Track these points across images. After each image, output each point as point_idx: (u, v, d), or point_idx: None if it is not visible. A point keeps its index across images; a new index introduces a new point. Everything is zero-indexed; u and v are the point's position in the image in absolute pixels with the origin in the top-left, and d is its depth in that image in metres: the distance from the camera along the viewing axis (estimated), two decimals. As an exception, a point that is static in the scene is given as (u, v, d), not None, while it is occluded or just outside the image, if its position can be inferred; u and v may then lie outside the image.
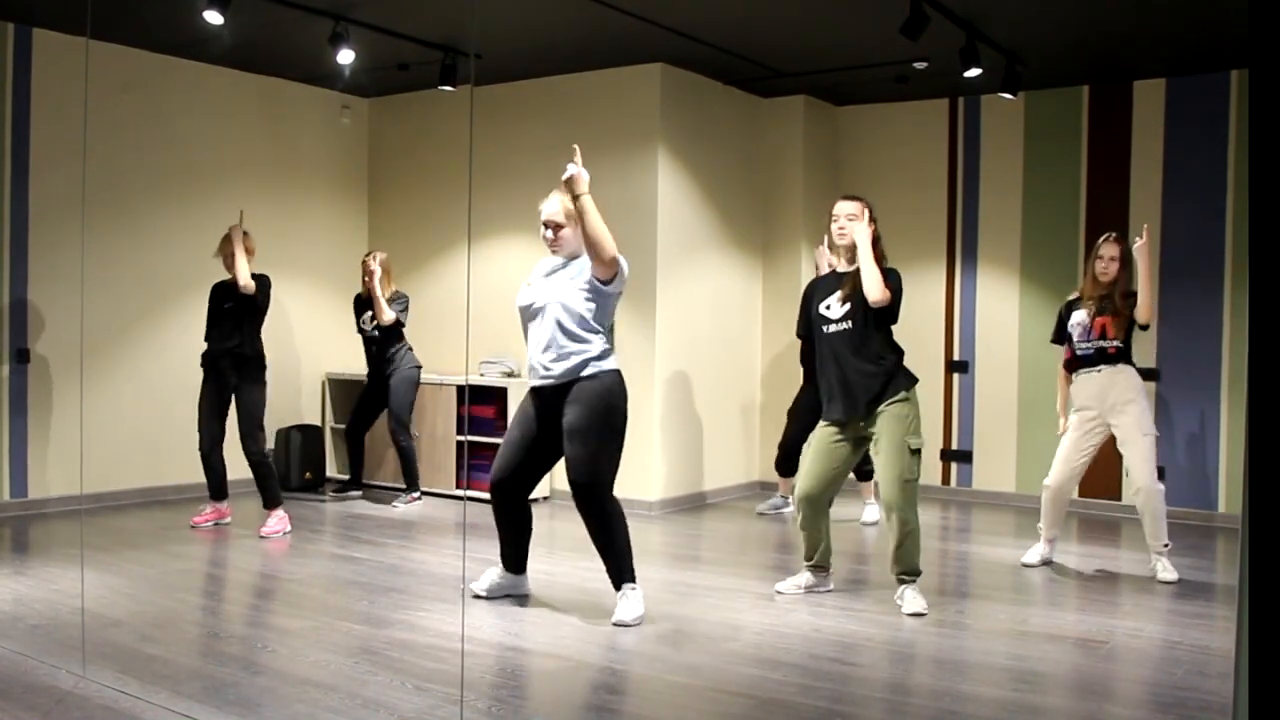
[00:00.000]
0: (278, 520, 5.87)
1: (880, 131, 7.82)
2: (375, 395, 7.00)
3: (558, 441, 4.29)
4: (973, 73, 6.05)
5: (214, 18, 5.31)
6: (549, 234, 4.29)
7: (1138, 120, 6.88)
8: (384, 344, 6.90)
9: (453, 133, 7.65)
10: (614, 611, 4.21)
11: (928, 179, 7.61)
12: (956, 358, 7.55)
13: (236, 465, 6.03)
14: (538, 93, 7.26)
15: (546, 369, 4.22)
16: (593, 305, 4.20)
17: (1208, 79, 6.61)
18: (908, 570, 4.49)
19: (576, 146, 4.16)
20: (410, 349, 6.99)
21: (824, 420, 4.59)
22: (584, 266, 4.25)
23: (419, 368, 7.00)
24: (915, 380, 4.51)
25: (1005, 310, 7.36)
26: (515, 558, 4.56)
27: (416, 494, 6.93)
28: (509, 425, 4.50)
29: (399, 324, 6.86)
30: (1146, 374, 6.67)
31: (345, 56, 6.07)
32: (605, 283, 4.17)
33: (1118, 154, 6.96)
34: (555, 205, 4.28)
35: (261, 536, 5.77)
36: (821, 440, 4.59)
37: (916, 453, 4.42)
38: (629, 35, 6.14)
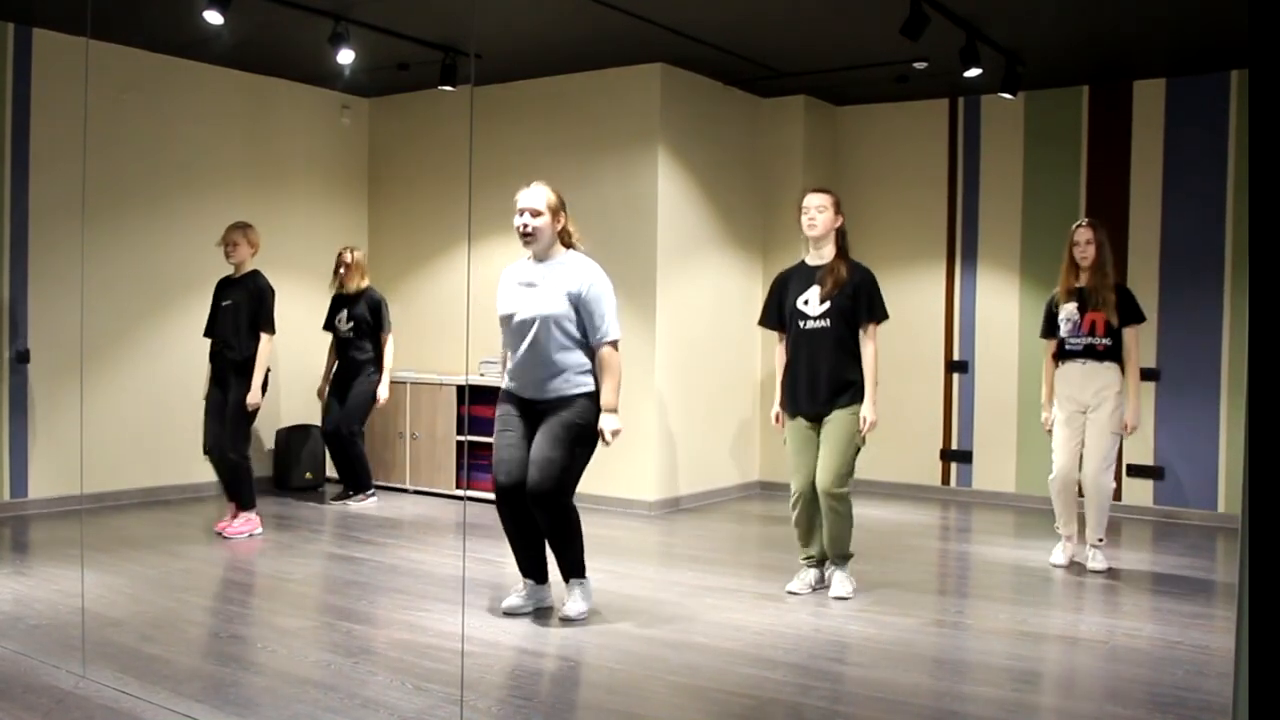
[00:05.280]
0: (244, 521, 5.76)
1: (880, 131, 7.82)
2: (343, 396, 6.88)
3: None
4: (973, 73, 6.05)
5: (214, 18, 5.31)
6: (525, 219, 4.18)
7: (1138, 120, 6.88)
8: (358, 348, 6.83)
9: (453, 133, 7.65)
10: (564, 606, 4.26)
11: (928, 179, 7.61)
12: (956, 358, 7.55)
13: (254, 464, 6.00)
14: (538, 93, 7.26)
15: (536, 386, 4.19)
16: (577, 318, 4.18)
17: (1208, 79, 6.61)
18: (842, 554, 4.66)
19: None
20: (377, 361, 6.87)
21: (795, 414, 4.66)
22: (563, 277, 4.18)
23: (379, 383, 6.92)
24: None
25: (1005, 310, 7.36)
26: (535, 564, 4.41)
27: (371, 491, 6.85)
28: (497, 429, 4.35)
29: (379, 326, 6.79)
30: (1147, 374, 6.69)
31: (345, 56, 6.07)
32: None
33: (1118, 154, 6.96)
34: (538, 193, 4.21)
35: (223, 535, 5.69)
36: (797, 432, 4.66)
37: (857, 451, 4.58)
38: (629, 35, 6.14)
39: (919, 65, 6.42)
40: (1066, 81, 7.03)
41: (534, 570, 4.40)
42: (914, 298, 7.53)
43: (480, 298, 7.40)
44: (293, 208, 7.54)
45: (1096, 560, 5.22)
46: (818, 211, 4.63)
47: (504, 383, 4.36)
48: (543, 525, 4.23)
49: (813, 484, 4.61)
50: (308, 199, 7.68)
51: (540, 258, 4.26)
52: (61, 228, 6.17)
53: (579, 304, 4.16)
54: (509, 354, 4.31)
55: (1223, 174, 6.59)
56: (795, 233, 7.67)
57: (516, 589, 4.43)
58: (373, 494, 6.91)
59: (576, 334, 4.18)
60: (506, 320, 4.26)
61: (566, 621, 4.19)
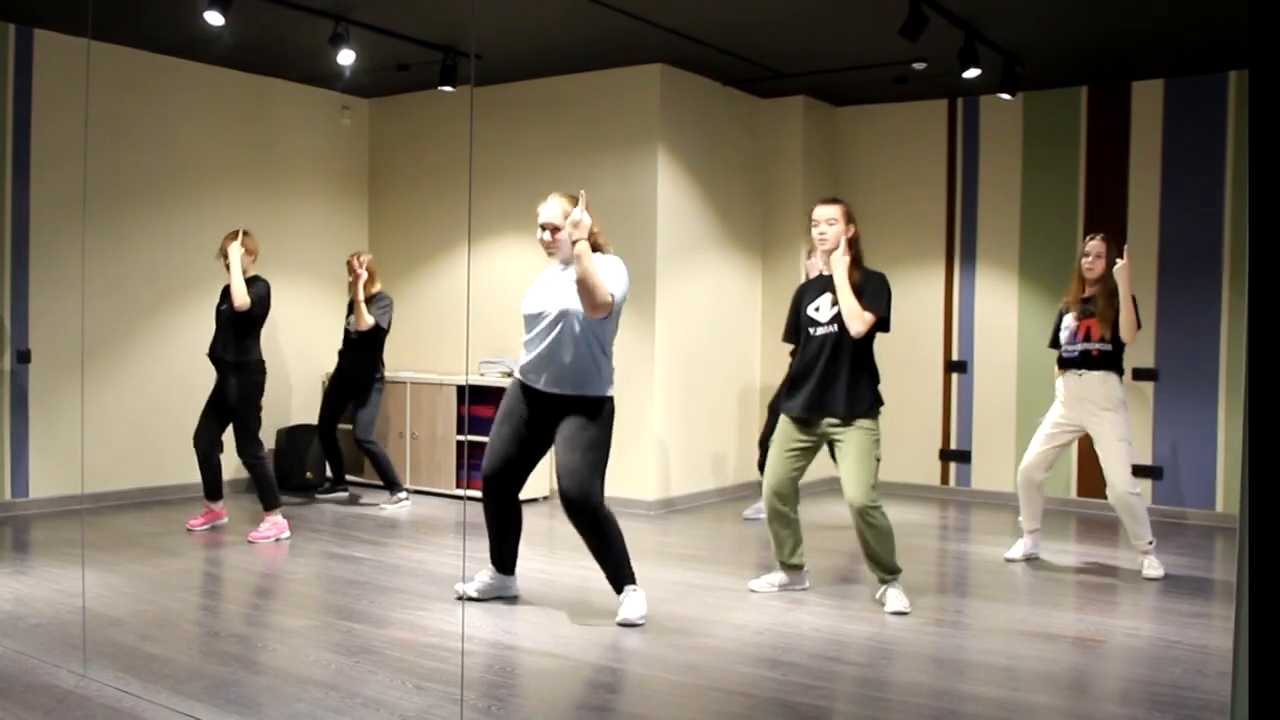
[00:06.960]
0: (270, 525, 5.73)
1: (879, 132, 7.83)
2: (344, 393, 6.90)
3: (547, 438, 4.33)
4: (971, 73, 6.06)
5: (214, 18, 5.31)
6: (546, 235, 4.32)
7: (1136, 121, 6.89)
8: (363, 349, 6.81)
9: (453, 133, 7.66)
10: (618, 611, 4.21)
11: (927, 179, 7.62)
12: (955, 358, 7.55)
13: (233, 466, 5.99)
14: (538, 93, 7.27)
15: (554, 379, 4.23)
16: (602, 320, 4.21)
17: (1207, 79, 6.62)
18: (888, 570, 4.52)
19: (584, 192, 4.14)
20: (383, 364, 6.90)
21: (789, 415, 4.62)
22: None
23: (384, 381, 6.94)
24: (882, 403, 4.55)
25: (1004, 310, 7.36)
26: (505, 557, 4.56)
27: (403, 494, 6.85)
28: (496, 419, 4.44)
29: (379, 329, 6.79)
30: (1146, 374, 6.71)
31: (345, 57, 6.08)
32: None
33: (1116, 154, 6.97)
34: (554, 208, 4.31)
35: (249, 540, 5.65)
36: (785, 436, 4.63)
37: (878, 461, 4.50)
38: (629, 35, 6.15)
39: (918, 66, 6.43)
40: (1065, 82, 7.04)
41: (502, 561, 4.57)
42: (913, 298, 7.53)
43: (480, 298, 7.42)
44: (293, 208, 7.55)
45: (1151, 567, 5.08)
46: (828, 225, 4.57)
47: (515, 374, 4.40)
48: (581, 535, 4.27)
49: (785, 486, 4.59)
50: (308, 199, 7.69)
51: (567, 261, 4.32)
52: (62, 228, 6.17)
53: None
54: (525, 351, 4.33)
55: (1221, 174, 6.60)
56: (795, 233, 7.73)
57: (480, 574, 4.56)
58: (405, 497, 6.86)
59: (602, 340, 4.23)
60: (531, 318, 4.31)
61: (626, 626, 4.15)
